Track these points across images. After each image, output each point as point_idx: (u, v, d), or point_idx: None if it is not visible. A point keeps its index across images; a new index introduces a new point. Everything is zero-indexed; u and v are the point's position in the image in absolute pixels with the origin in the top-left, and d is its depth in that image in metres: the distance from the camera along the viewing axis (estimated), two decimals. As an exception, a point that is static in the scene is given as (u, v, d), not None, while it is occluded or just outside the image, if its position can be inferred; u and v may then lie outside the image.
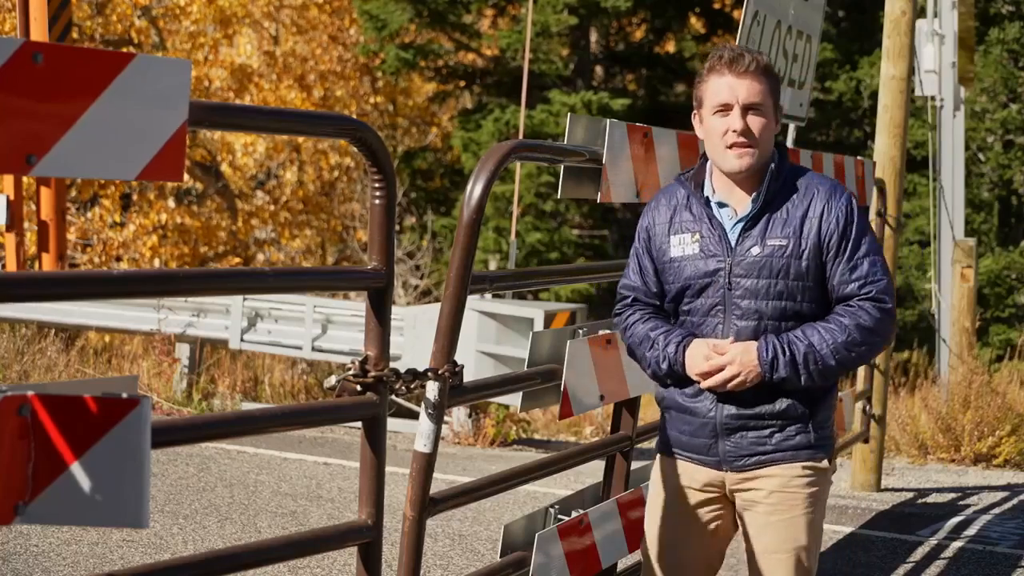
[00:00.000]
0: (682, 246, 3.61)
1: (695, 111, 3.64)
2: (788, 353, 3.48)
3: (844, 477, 9.29)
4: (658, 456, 3.80)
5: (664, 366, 3.61)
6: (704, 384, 3.54)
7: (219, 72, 23.53)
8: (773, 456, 3.58)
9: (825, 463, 3.63)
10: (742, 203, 3.58)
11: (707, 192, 3.62)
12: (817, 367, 3.50)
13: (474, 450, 10.70)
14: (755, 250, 3.53)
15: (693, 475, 3.68)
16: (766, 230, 3.54)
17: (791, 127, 7.76)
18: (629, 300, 3.76)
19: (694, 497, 3.70)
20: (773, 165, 3.58)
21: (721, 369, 3.50)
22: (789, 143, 7.69)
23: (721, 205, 3.60)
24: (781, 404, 3.55)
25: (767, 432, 3.57)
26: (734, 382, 3.51)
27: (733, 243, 3.56)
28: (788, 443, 3.57)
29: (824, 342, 3.50)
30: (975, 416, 10.34)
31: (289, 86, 24.14)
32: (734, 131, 3.49)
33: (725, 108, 3.51)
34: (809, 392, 3.56)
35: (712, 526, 3.72)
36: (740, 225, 3.56)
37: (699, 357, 3.53)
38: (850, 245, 3.55)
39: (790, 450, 3.58)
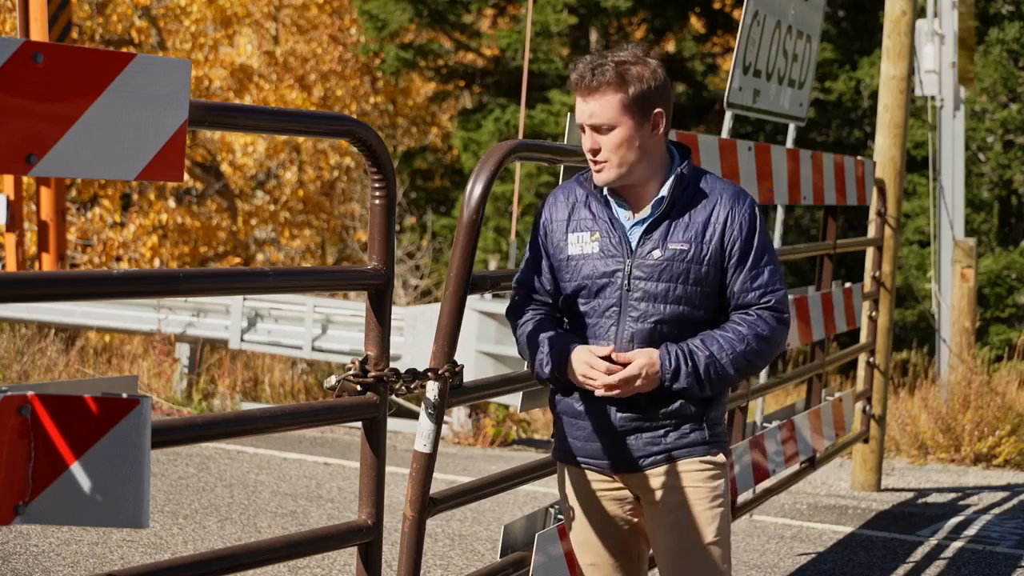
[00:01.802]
0: (580, 244, 3.57)
1: None
2: (690, 364, 3.48)
3: (844, 477, 9.29)
4: (558, 464, 3.76)
5: (547, 370, 3.58)
6: (600, 393, 3.49)
7: (219, 72, 23.54)
8: (670, 454, 3.56)
9: (721, 457, 3.62)
10: (641, 205, 3.56)
11: (606, 192, 3.59)
12: (717, 376, 3.51)
13: (474, 450, 10.71)
14: (656, 253, 3.51)
15: (593, 480, 3.65)
16: (667, 233, 3.52)
17: (791, 127, 7.75)
18: (522, 297, 3.72)
19: (600, 501, 3.67)
20: (680, 170, 3.55)
21: (630, 379, 3.46)
22: (789, 143, 7.68)
23: (620, 206, 3.57)
24: (675, 404, 3.54)
25: (662, 431, 3.55)
26: (632, 391, 3.48)
27: (633, 245, 3.53)
28: (683, 441, 3.56)
29: (724, 351, 3.50)
30: (975, 416, 10.35)
31: (289, 86, 24.15)
32: (588, 150, 3.51)
33: (582, 128, 3.52)
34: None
35: (626, 526, 3.70)
36: (640, 227, 3.54)
37: (581, 363, 3.51)
38: (753, 254, 3.54)
39: (685, 447, 3.56)
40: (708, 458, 3.59)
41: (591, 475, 3.66)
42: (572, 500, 3.72)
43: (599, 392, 3.50)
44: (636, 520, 3.71)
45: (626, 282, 3.52)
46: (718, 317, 3.58)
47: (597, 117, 3.47)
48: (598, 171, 3.51)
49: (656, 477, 3.58)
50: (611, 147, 3.48)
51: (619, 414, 3.55)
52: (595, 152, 3.49)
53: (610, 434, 3.57)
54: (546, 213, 3.67)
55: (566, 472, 3.73)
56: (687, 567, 3.59)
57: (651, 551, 3.79)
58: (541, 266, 3.67)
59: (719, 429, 3.64)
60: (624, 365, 3.49)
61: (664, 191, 3.53)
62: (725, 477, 3.64)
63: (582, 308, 3.59)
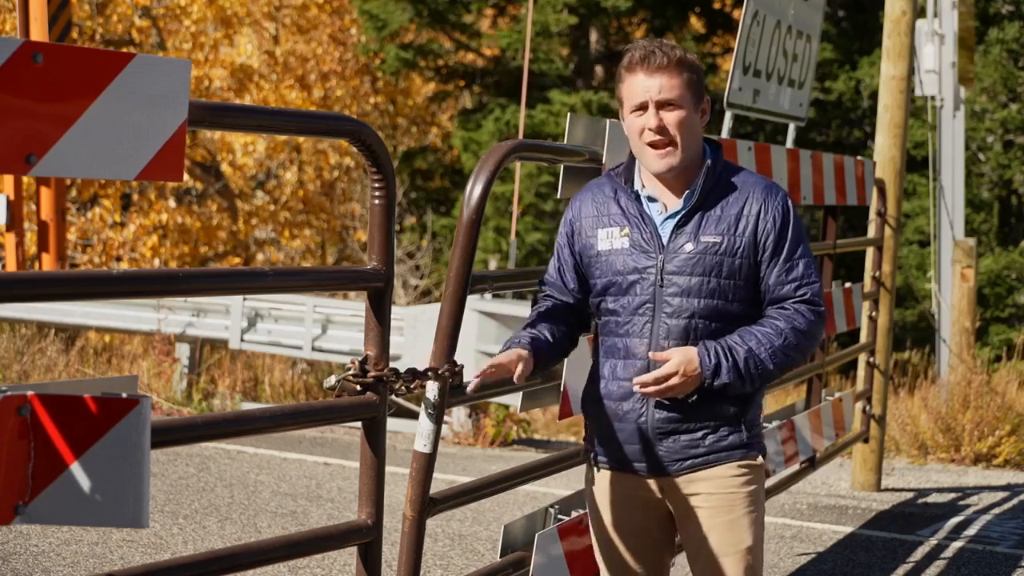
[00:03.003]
0: (610, 240, 3.55)
1: (620, 111, 3.58)
2: (731, 359, 3.44)
3: (844, 477, 9.29)
4: (587, 466, 3.71)
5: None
6: (644, 392, 3.46)
7: (219, 72, 23.54)
8: (707, 458, 3.52)
9: (759, 459, 3.58)
10: (672, 199, 3.53)
11: (636, 187, 3.57)
12: (758, 371, 3.46)
13: (474, 450, 10.71)
14: (688, 247, 3.48)
15: (626, 483, 3.60)
16: (700, 227, 3.49)
17: (791, 127, 7.76)
18: (544, 294, 3.73)
19: (631, 505, 3.62)
20: (709, 162, 3.52)
21: (665, 377, 3.43)
22: (789, 143, 7.69)
23: (651, 200, 3.54)
24: (712, 405, 3.50)
25: (700, 434, 3.51)
26: (676, 390, 3.45)
27: (665, 239, 3.50)
28: (721, 444, 3.52)
29: (762, 346, 3.46)
30: (975, 416, 10.35)
31: (289, 86, 24.14)
32: (650, 129, 3.44)
33: (641, 107, 3.46)
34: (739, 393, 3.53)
35: (654, 531, 3.64)
36: (672, 221, 3.51)
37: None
38: (787, 246, 3.51)
39: (724, 451, 3.52)
40: (746, 461, 3.55)
41: (623, 479, 3.61)
42: (599, 504, 3.66)
43: (637, 389, 3.47)
44: (663, 531, 3.64)
45: (659, 278, 3.49)
46: (752, 311, 3.54)
47: (667, 92, 3.43)
48: (664, 155, 3.46)
49: (692, 482, 3.54)
50: (675, 124, 3.44)
51: (656, 416, 3.51)
52: (661, 130, 3.44)
53: (646, 437, 3.53)
54: (573, 210, 3.66)
55: (593, 473, 3.68)
56: (721, 572, 3.54)
57: (674, 558, 3.75)
58: (564, 265, 3.67)
59: (756, 430, 3.60)
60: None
61: (695, 183, 3.51)
62: (761, 480, 3.60)
63: (611, 305, 3.56)
